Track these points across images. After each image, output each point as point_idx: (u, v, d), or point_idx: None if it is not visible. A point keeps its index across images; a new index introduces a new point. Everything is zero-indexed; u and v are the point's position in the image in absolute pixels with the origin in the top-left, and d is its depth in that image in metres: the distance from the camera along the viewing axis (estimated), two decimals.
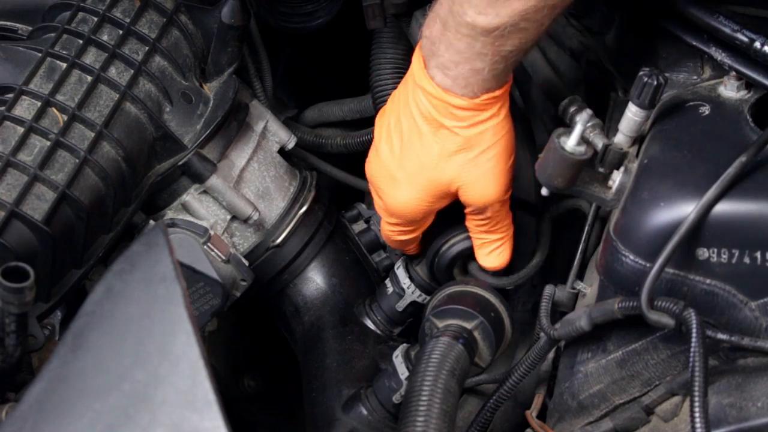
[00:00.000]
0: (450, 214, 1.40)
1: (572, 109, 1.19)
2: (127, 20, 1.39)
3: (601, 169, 1.20)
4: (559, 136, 1.16)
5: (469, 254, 1.41)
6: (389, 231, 1.41)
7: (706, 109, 1.20)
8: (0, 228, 1.19)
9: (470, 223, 1.38)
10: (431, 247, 1.42)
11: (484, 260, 1.40)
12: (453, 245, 1.40)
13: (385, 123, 1.36)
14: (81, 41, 1.35)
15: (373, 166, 1.37)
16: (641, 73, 1.17)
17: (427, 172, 1.32)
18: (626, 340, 1.20)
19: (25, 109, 1.28)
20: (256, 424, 1.82)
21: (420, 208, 1.35)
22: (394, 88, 1.54)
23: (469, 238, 1.39)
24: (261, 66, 1.63)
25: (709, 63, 1.26)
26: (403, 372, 1.36)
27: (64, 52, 1.34)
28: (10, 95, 1.29)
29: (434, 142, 1.30)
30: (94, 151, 1.30)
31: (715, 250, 1.12)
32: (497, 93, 1.27)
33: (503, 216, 1.36)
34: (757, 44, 1.17)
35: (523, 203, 1.54)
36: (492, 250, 1.39)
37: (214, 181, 1.40)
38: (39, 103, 1.29)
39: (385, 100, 1.54)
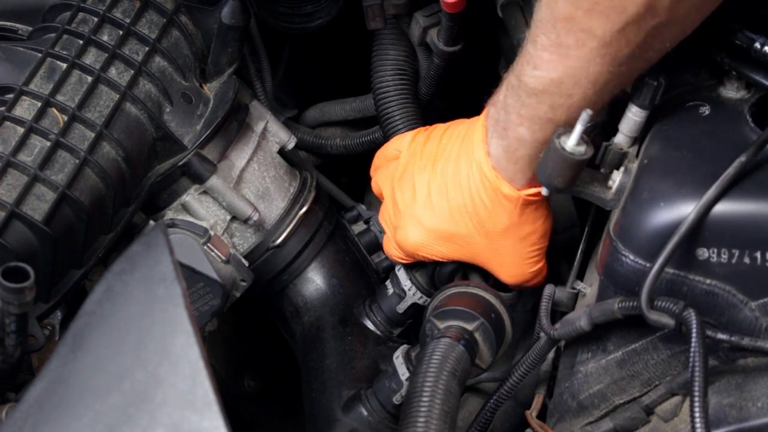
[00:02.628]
0: None
1: None
2: (127, 20, 1.39)
3: (601, 169, 1.20)
4: (559, 136, 1.16)
5: (470, 266, 1.41)
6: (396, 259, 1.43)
7: (706, 109, 1.20)
8: (0, 228, 1.19)
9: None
10: None
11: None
12: None
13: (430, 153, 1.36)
14: (81, 41, 1.35)
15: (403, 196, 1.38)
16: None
17: (460, 240, 1.34)
18: (626, 340, 1.20)
19: (26, 109, 1.28)
20: (256, 424, 1.82)
21: (427, 255, 1.38)
22: (396, 88, 1.54)
23: None
24: (261, 66, 1.63)
25: (709, 63, 1.26)
26: (403, 373, 1.36)
27: (64, 52, 1.34)
28: (10, 95, 1.29)
29: (475, 217, 1.31)
30: (94, 152, 1.30)
31: (715, 250, 1.12)
32: (544, 191, 1.24)
33: (541, 279, 1.37)
34: (757, 44, 1.17)
35: None
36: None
37: (214, 181, 1.40)
38: (39, 104, 1.29)
39: (386, 102, 1.54)
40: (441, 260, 1.38)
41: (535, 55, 1.15)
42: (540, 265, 1.35)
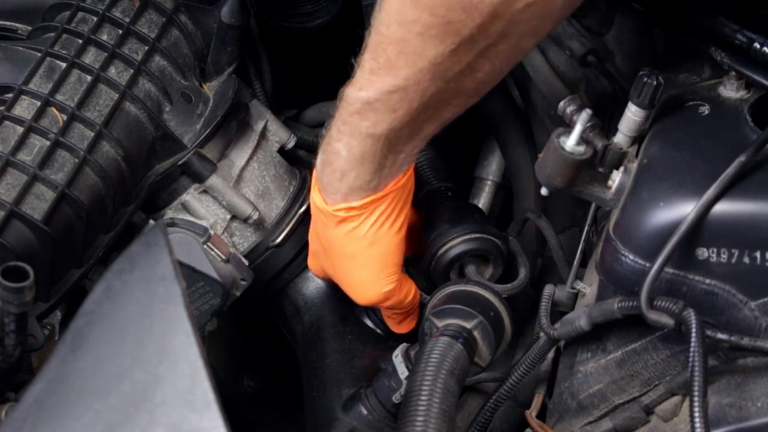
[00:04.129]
0: (446, 217, 1.41)
1: (572, 109, 1.19)
2: (127, 20, 1.39)
3: (600, 169, 1.20)
4: (558, 136, 1.16)
5: (466, 258, 1.41)
6: None
7: (705, 109, 1.20)
8: (0, 227, 1.19)
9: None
10: (428, 250, 1.42)
11: (394, 329, 1.45)
12: (450, 249, 1.40)
13: None
14: (80, 41, 1.35)
15: None
16: (641, 73, 1.17)
17: (314, 258, 1.40)
18: (626, 339, 1.20)
19: (25, 108, 1.28)
20: (256, 424, 1.82)
21: (319, 275, 1.45)
22: None
23: (466, 241, 1.39)
24: (261, 66, 1.63)
25: (709, 63, 1.26)
26: (402, 371, 1.36)
27: (63, 51, 1.34)
28: (10, 95, 1.29)
29: (315, 235, 1.36)
30: (93, 151, 1.30)
31: (715, 249, 1.11)
32: (354, 204, 1.26)
33: (393, 304, 1.37)
34: (757, 44, 1.17)
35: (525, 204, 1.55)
36: (399, 322, 1.43)
37: (213, 180, 1.40)
38: (38, 103, 1.29)
39: None
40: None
41: (362, 78, 1.16)
42: (389, 287, 1.34)
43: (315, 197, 1.29)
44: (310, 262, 1.43)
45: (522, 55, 1.16)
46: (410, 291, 1.38)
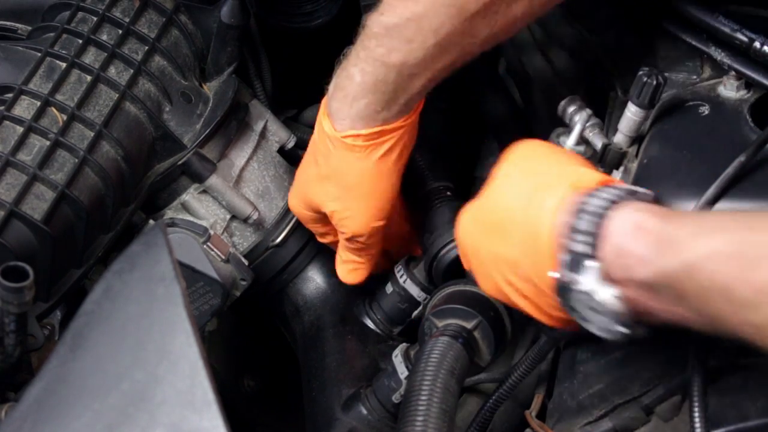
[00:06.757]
0: (447, 218, 1.41)
1: (572, 109, 1.19)
2: (127, 20, 1.39)
3: (600, 169, 1.20)
4: (558, 136, 1.16)
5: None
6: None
7: (705, 109, 1.20)
8: (0, 227, 1.19)
9: (340, 240, 1.40)
10: (430, 249, 1.42)
11: (339, 271, 1.43)
12: (451, 249, 1.40)
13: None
14: (80, 41, 1.35)
15: None
16: (641, 73, 1.17)
17: (303, 187, 1.36)
18: None
19: (25, 108, 1.28)
20: (256, 424, 1.82)
21: (302, 216, 1.41)
22: None
23: None
24: (261, 66, 1.63)
25: (709, 63, 1.26)
26: (402, 371, 1.36)
27: (63, 51, 1.34)
28: (10, 95, 1.29)
29: (312, 163, 1.34)
30: (93, 151, 1.30)
31: None
32: (362, 132, 1.27)
33: (369, 246, 1.37)
34: (757, 44, 1.17)
35: None
36: (350, 270, 1.42)
37: (213, 180, 1.40)
38: (38, 103, 1.29)
39: None
40: (309, 224, 1.41)
41: (386, 3, 1.20)
42: (380, 223, 1.34)
43: (323, 122, 1.29)
44: (293, 200, 1.40)
45: (540, 7, 1.18)
46: (394, 237, 1.39)
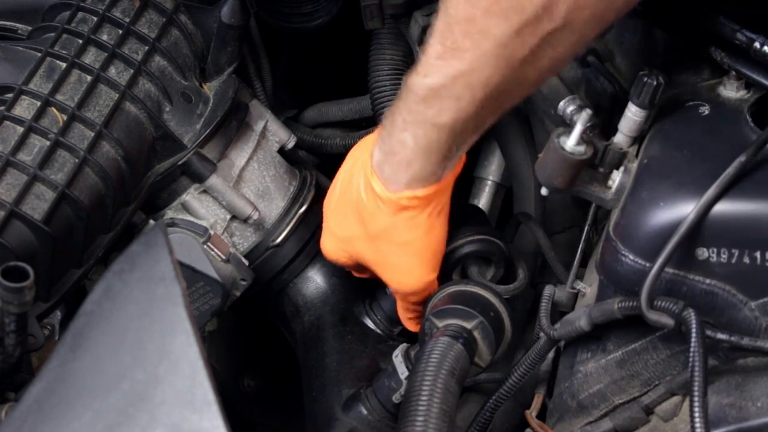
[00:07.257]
0: (451, 219, 1.41)
1: (572, 109, 1.19)
2: (127, 20, 1.39)
3: (600, 169, 1.20)
4: (558, 136, 1.16)
5: (469, 259, 1.41)
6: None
7: (705, 109, 1.20)
8: (0, 227, 1.19)
9: (396, 298, 1.39)
10: None
11: (408, 325, 1.43)
12: (454, 250, 1.40)
13: (349, 162, 1.36)
14: (81, 41, 1.35)
15: (327, 199, 1.39)
16: (641, 73, 1.17)
17: (347, 245, 1.35)
18: (626, 340, 1.20)
19: (25, 108, 1.28)
20: (256, 424, 1.82)
21: (343, 264, 1.39)
22: (393, 89, 1.54)
23: (470, 243, 1.39)
24: (261, 66, 1.63)
25: (709, 63, 1.26)
26: (402, 372, 1.36)
27: (63, 51, 1.34)
28: (10, 95, 1.29)
29: (357, 222, 1.32)
30: (93, 151, 1.30)
31: (715, 249, 1.12)
32: (419, 193, 1.25)
33: (426, 297, 1.36)
34: (757, 44, 1.17)
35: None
36: (417, 322, 1.40)
37: (213, 180, 1.40)
38: (39, 103, 1.29)
39: (383, 102, 1.54)
40: (348, 267, 1.40)
41: (427, 63, 1.16)
42: (434, 275, 1.33)
43: (374, 184, 1.27)
44: (332, 248, 1.38)
45: (583, 46, 1.16)
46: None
